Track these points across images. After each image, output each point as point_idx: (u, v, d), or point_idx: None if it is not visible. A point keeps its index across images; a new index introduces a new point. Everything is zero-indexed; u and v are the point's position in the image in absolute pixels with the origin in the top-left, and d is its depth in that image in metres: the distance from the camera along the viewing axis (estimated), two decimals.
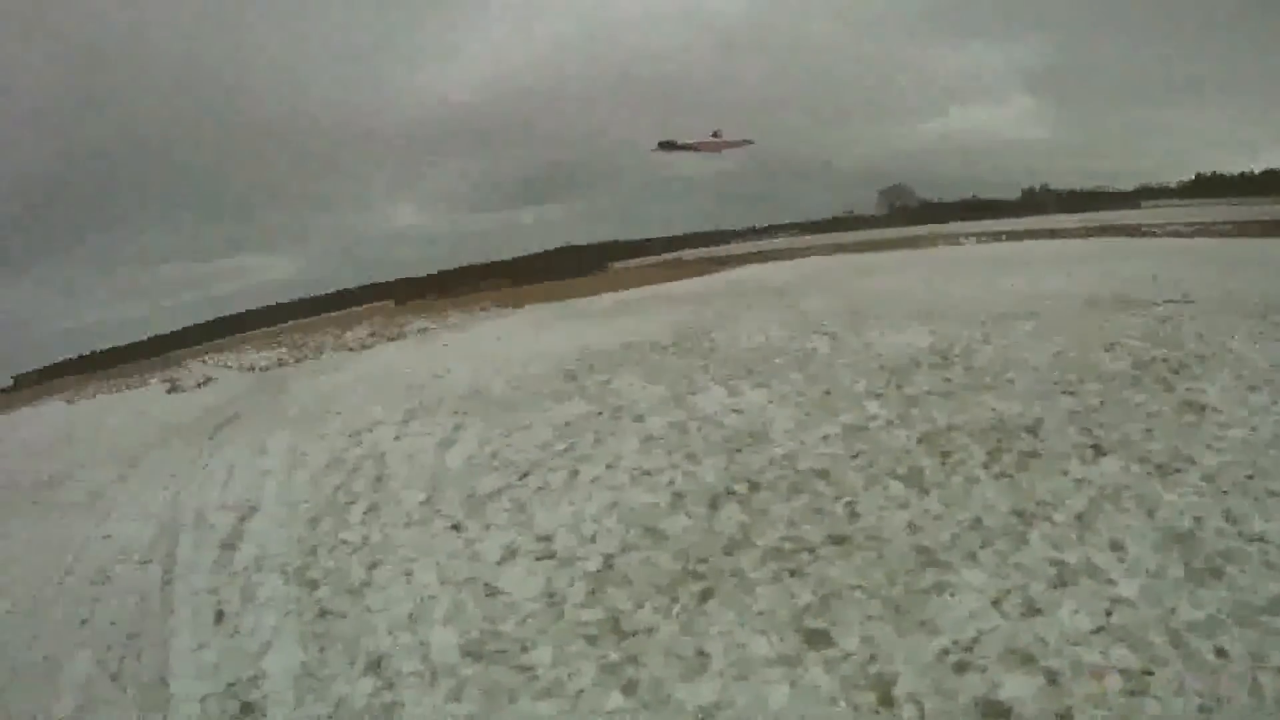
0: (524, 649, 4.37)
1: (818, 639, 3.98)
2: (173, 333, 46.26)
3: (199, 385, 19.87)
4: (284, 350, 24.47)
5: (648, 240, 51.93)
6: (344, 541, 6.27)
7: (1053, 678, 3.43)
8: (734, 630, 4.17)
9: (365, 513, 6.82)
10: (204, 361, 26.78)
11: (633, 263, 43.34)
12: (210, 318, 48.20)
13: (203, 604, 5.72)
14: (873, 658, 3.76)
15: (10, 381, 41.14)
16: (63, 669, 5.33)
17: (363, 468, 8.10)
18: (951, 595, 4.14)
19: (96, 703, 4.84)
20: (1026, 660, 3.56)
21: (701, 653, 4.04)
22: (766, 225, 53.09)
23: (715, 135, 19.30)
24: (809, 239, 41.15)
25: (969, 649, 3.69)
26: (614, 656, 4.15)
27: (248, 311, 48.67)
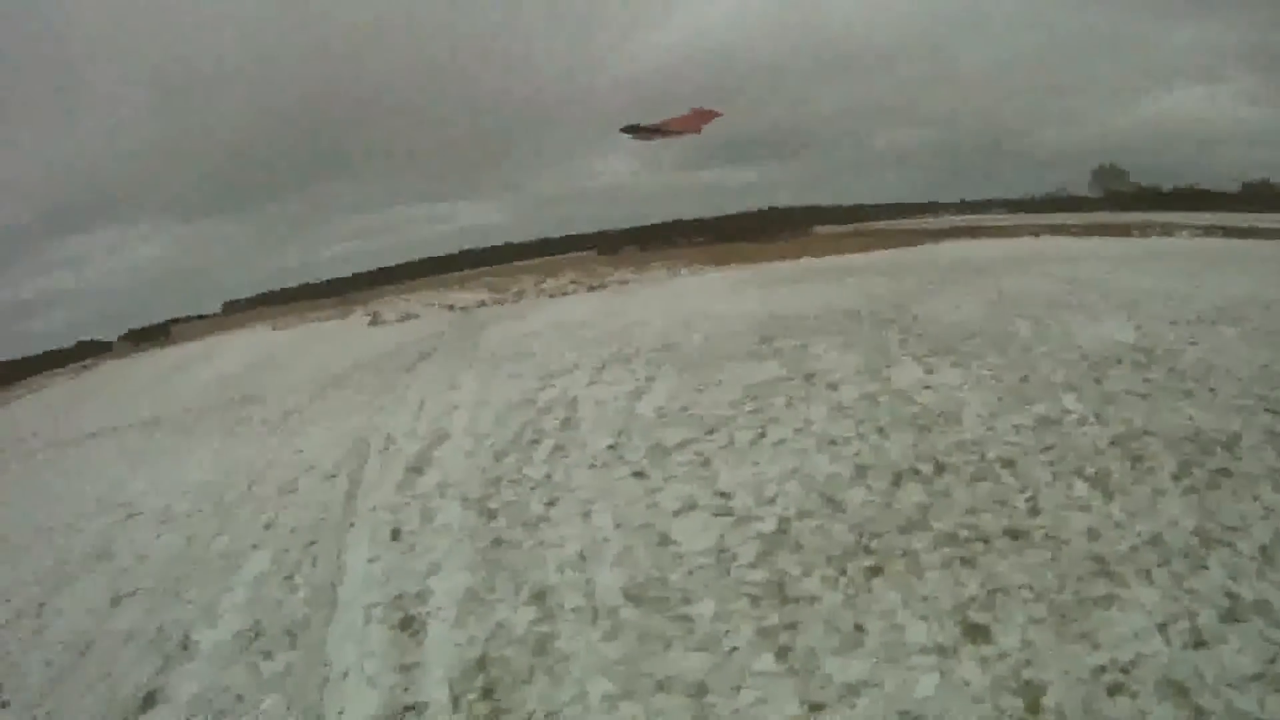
0: (686, 600, 5.17)
1: (977, 634, 4.54)
2: (380, 269, 50.55)
3: (400, 320, 22.44)
4: (485, 293, 26.86)
5: (854, 207, 52.05)
6: (526, 477, 7.35)
7: (1202, 718, 3.79)
8: (896, 611, 4.81)
9: (550, 452, 7.88)
10: (406, 299, 29.68)
11: (837, 229, 43.77)
12: (417, 258, 51.76)
13: (381, 521, 6.93)
14: (1028, 662, 4.27)
15: (220, 308, 45.63)
16: (241, 565, 6.61)
17: (552, 410, 9.24)
18: (1119, 611, 4.57)
19: (266, 598, 6.05)
20: (1180, 694, 3.93)
21: (859, 629, 4.69)
22: (975, 200, 51.90)
23: (695, 111, 18.95)
24: (1018, 217, 40.26)
25: (1126, 670, 4.12)
26: (773, 620, 4.87)
27: (454, 254, 52.14)
